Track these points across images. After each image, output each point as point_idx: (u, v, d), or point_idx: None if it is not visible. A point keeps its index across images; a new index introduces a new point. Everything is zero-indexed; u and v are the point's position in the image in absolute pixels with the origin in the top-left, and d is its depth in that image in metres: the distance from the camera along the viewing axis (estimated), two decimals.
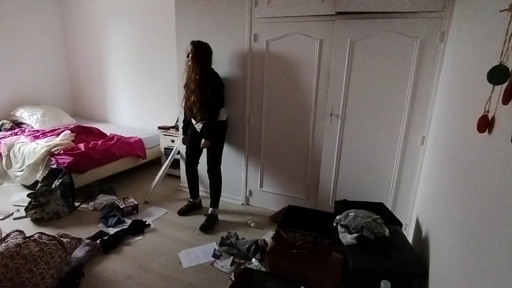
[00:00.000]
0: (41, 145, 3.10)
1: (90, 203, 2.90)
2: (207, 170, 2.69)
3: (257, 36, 2.61)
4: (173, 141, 3.58)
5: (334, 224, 1.98)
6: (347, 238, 1.82)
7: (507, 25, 1.05)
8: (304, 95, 2.58)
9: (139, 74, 4.16)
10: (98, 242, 2.28)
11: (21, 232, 2.07)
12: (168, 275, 2.04)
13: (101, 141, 3.36)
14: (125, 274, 2.03)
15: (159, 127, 3.74)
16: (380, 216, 1.87)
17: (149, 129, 4.06)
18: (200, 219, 2.70)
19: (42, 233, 1.97)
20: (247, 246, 2.21)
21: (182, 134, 2.84)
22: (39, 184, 2.77)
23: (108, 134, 3.63)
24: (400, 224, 2.10)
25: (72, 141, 3.28)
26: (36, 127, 3.80)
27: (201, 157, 2.76)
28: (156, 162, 3.87)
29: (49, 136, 3.47)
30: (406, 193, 2.44)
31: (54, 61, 4.56)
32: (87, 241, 2.26)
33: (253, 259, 2.11)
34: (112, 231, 2.48)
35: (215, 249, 2.29)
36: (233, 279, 1.96)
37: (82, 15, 4.37)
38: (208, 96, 2.43)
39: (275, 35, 2.55)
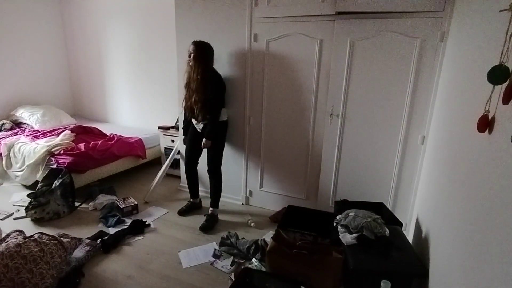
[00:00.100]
0: (41, 145, 3.10)
1: (90, 203, 2.90)
2: (208, 170, 2.69)
3: (257, 36, 2.61)
4: (173, 141, 3.58)
5: (334, 224, 1.98)
6: (347, 238, 1.82)
7: (507, 25, 1.05)
8: (304, 95, 2.58)
9: (139, 74, 4.16)
10: (98, 242, 2.28)
11: (21, 232, 2.07)
12: (168, 275, 2.04)
13: (101, 141, 3.36)
14: (125, 274, 2.03)
15: (159, 127, 3.74)
16: (380, 216, 1.87)
17: (149, 129, 4.06)
18: (200, 219, 2.70)
19: (42, 233, 1.97)
20: (247, 246, 2.21)
21: (183, 135, 2.84)
22: (39, 184, 2.77)
23: (108, 134, 3.63)
24: (400, 224, 2.10)
25: (72, 141, 3.28)
26: (36, 127, 3.80)
27: (201, 157, 2.76)
28: (156, 162, 3.87)
29: (49, 136, 3.47)
30: (406, 193, 2.44)
31: (54, 61, 4.56)
32: (87, 241, 2.26)
33: (253, 259, 2.11)
34: (112, 231, 2.48)
35: (215, 249, 2.29)
36: (233, 279, 1.96)
37: (82, 15, 4.37)
38: (210, 96, 2.43)
39: (275, 35, 2.55)
